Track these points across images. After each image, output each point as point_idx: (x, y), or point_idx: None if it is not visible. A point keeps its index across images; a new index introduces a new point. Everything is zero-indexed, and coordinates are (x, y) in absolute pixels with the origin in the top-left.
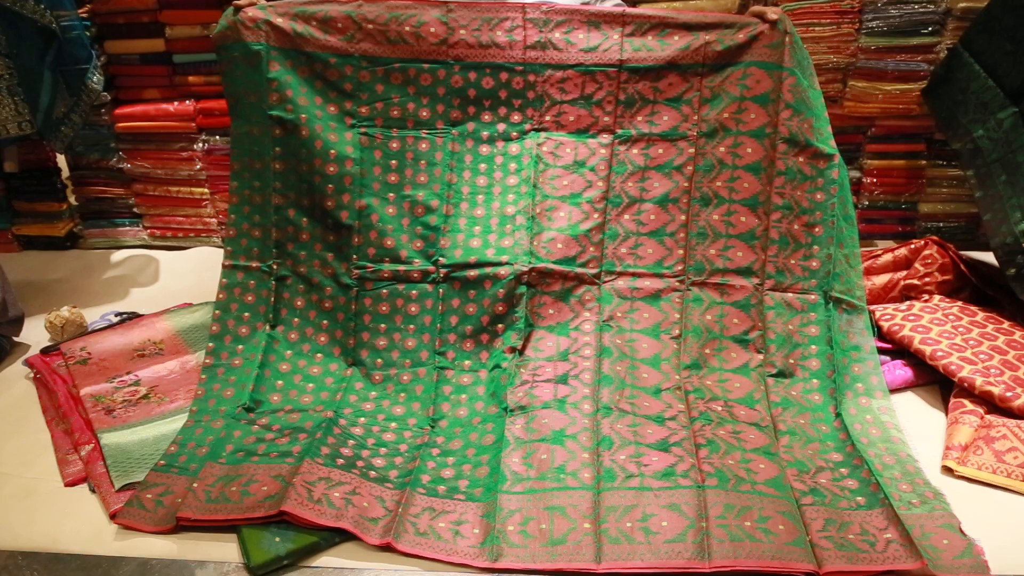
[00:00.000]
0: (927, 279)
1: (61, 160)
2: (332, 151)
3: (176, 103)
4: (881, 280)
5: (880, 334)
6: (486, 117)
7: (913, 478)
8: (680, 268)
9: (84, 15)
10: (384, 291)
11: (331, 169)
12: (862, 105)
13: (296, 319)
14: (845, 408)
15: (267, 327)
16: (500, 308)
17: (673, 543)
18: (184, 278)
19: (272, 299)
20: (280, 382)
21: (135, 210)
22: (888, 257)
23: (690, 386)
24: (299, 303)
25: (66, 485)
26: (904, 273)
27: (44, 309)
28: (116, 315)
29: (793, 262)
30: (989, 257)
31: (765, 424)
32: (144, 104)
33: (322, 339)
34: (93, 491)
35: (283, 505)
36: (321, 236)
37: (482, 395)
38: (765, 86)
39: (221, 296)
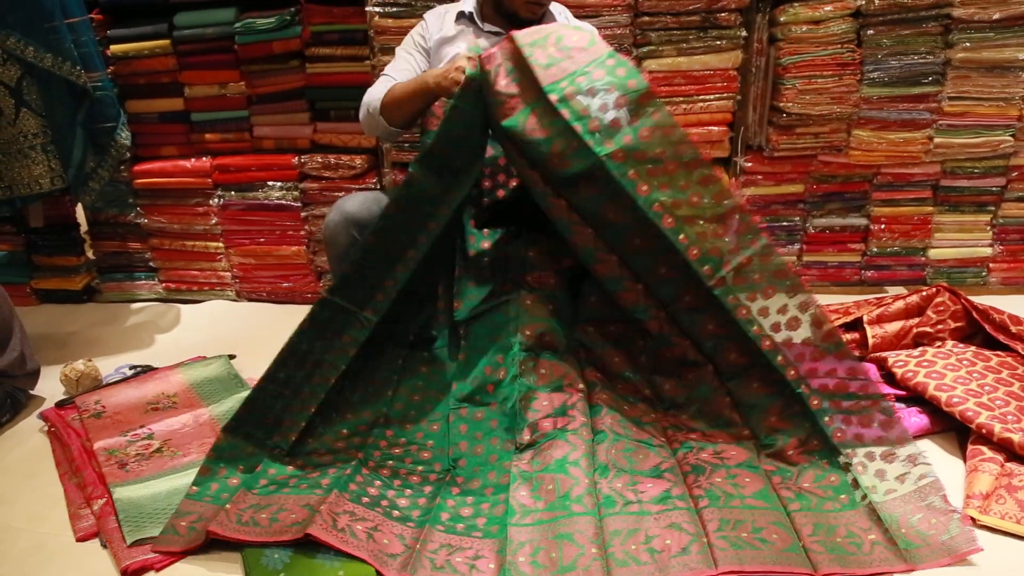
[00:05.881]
0: (940, 326)
1: (80, 215)
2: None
3: (193, 160)
4: (893, 327)
5: (894, 381)
6: None
7: (894, 447)
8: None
9: (108, 76)
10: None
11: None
12: (867, 154)
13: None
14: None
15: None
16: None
17: (679, 557)
18: (198, 331)
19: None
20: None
21: (151, 264)
22: (900, 304)
23: (667, 423)
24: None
25: (78, 540)
26: (916, 320)
27: (60, 362)
28: (130, 368)
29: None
30: (1000, 303)
31: (745, 437)
32: (162, 161)
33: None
34: (105, 546)
35: (308, 529)
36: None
37: (496, 429)
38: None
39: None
